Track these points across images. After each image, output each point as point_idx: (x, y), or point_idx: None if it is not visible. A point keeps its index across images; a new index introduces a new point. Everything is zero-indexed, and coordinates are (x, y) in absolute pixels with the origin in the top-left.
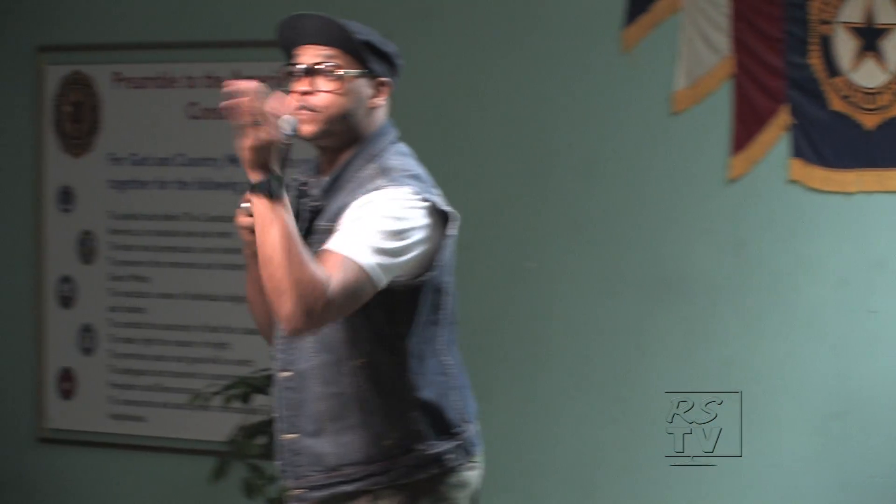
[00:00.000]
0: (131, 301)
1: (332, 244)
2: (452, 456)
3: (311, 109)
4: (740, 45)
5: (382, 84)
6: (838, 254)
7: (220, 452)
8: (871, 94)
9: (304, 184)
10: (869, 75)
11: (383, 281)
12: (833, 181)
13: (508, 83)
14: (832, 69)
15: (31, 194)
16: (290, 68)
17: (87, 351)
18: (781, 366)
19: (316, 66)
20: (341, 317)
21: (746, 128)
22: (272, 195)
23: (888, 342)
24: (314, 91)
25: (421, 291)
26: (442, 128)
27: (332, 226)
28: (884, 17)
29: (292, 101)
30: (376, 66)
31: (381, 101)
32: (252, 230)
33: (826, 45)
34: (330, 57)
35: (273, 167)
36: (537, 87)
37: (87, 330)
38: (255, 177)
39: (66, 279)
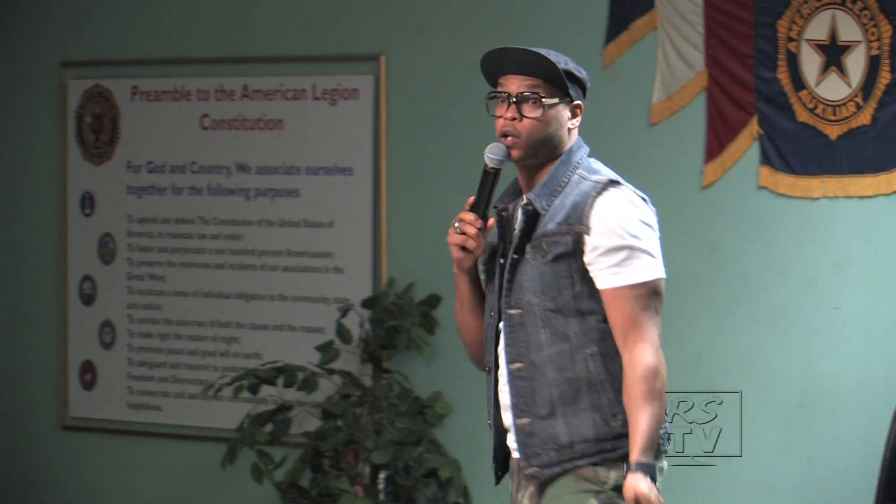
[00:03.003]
0: (148, 299)
1: (620, 278)
2: (664, 441)
3: (517, 135)
4: (713, 61)
5: (577, 107)
6: (804, 255)
7: (230, 439)
8: (835, 106)
9: (504, 209)
10: (833, 89)
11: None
12: (799, 187)
13: None
14: (798, 83)
15: (55, 200)
16: (498, 96)
17: (107, 345)
18: (750, 360)
19: (521, 95)
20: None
21: (718, 138)
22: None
23: (850, 337)
24: (520, 118)
25: None
26: (435, 141)
27: (570, 227)
28: (846, 35)
29: (498, 125)
30: (573, 91)
31: (577, 121)
32: (461, 247)
33: (793, 60)
34: (534, 86)
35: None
36: None
37: (107, 325)
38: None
39: (87, 278)
